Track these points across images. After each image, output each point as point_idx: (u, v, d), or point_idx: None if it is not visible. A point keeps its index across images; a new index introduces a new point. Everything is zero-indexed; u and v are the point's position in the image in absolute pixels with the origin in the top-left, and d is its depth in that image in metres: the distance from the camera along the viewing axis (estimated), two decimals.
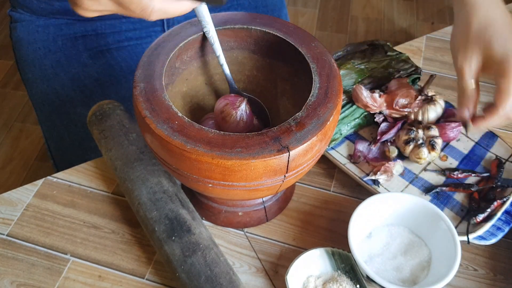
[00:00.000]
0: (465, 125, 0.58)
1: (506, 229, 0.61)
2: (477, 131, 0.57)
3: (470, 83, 0.56)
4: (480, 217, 0.61)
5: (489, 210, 0.62)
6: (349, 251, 0.57)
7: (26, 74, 0.89)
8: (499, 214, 0.61)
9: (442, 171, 0.68)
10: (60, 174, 0.70)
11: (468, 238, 0.59)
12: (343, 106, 0.71)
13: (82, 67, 0.85)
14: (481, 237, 0.60)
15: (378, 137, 0.70)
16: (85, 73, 0.85)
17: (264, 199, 0.64)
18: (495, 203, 0.62)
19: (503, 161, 0.68)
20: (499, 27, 0.57)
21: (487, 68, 0.56)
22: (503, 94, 0.54)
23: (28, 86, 0.90)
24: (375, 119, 0.71)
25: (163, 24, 0.88)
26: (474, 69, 0.56)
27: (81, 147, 0.86)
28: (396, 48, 0.86)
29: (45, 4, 0.83)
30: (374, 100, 0.69)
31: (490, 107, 0.56)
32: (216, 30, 0.57)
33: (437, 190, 0.65)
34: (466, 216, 0.63)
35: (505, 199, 0.62)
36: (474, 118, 0.57)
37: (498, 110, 0.54)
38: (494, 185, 0.65)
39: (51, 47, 0.85)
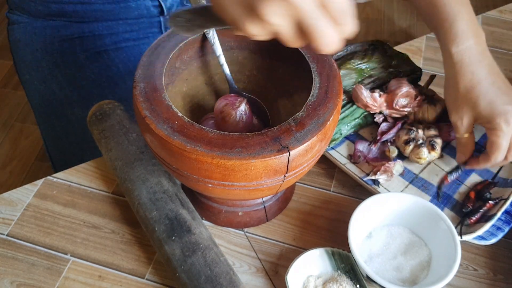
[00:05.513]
0: (460, 166, 0.67)
1: (506, 229, 0.61)
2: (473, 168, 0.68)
3: (464, 136, 0.65)
4: (474, 217, 0.61)
5: (482, 210, 0.62)
6: (349, 251, 0.57)
7: (24, 76, 0.88)
8: (499, 214, 0.61)
9: (441, 171, 0.68)
10: (60, 174, 0.70)
11: (461, 237, 0.59)
12: (343, 106, 0.71)
13: (79, 68, 0.85)
14: (481, 237, 0.60)
15: (378, 137, 0.70)
16: (82, 74, 0.85)
17: (264, 199, 0.64)
18: (487, 204, 0.62)
19: None
20: (484, 88, 0.61)
21: (478, 121, 0.63)
22: (494, 146, 0.61)
23: (26, 87, 0.90)
24: (375, 119, 0.71)
25: (161, 25, 0.88)
26: (465, 125, 0.64)
27: (79, 148, 0.86)
28: (396, 48, 0.86)
29: (42, 6, 0.83)
30: (374, 100, 0.69)
31: (484, 155, 0.64)
32: (216, 30, 0.57)
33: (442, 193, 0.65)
34: (461, 217, 0.63)
35: (497, 200, 0.62)
36: (471, 160, 0.66)
37: (490, 159, 0.63)
38: (492, 185, 0.65)
39: (48, 48, 0.85)
